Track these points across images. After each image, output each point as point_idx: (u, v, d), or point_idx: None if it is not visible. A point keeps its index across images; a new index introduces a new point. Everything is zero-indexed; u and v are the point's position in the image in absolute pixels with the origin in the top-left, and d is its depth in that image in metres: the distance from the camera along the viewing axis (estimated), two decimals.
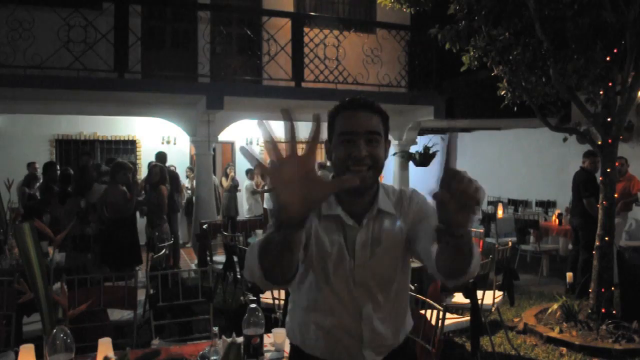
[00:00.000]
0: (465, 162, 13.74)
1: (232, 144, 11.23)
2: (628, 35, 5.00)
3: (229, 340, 2.26)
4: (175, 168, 8.96)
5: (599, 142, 5.43)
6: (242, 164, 11.17)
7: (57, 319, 2.26)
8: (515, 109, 5.97)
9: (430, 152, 9.35)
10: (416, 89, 8.77)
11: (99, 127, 9.97)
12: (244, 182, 10.23)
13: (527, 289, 7.01)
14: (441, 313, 2.80)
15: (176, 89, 7.52)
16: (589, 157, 6.41)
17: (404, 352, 1.80)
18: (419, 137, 10.05)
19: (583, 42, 5.27)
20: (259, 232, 6.27)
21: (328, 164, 9.14)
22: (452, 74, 8.06)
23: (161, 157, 8.24)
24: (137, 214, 6.66)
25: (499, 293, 4.76)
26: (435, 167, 10.88)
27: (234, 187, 10.23)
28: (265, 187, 9.24)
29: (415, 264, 4.56)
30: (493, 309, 4.68)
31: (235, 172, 10.42)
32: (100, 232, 5.76)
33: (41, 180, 7.61)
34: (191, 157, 9.93)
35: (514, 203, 10.80)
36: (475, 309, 4.13)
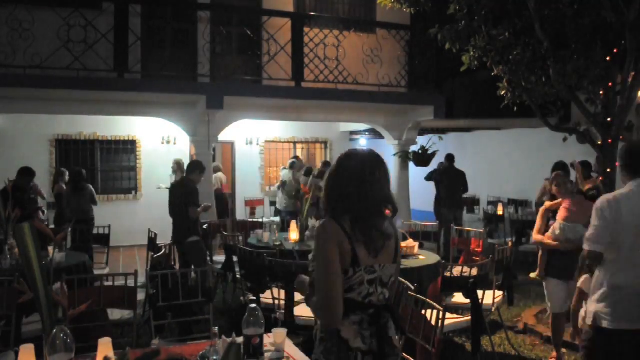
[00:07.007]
0: (466, 162, 13.71)
1: (232, 144, 11.22)
2: (628, 35, 5.00)
3: (229, 340, 2.26)
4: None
5: (599, 142, 5.43)
6: (243, 165, 11.23)
7: (57, 319, 2.26)
8: (515, 109, 5.96)
9: (429, 152, 9.31)
10: (416, 89, 8.77)
11: (99, 127, 9.97)
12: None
13: (527, 289, 7.00)
14: (441, 313, 2.80)
15: (176, 89, 7.52)
16: None
17: None
18: (418, 137, 10.04)
19: (583, 42, 5.28)
20: (259, 232, 6.25)
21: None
22: (452, 74, 8.07)
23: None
24: None
25: (499, 293, 4.76)
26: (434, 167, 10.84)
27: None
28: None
29: (415, 264, 4.58)
30: (493, 309, 4.68)
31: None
32: None
33: None
34: (191, 157, 9.91)
35: (514, 203, 10.78)
36: (476, 308, 4.13)
